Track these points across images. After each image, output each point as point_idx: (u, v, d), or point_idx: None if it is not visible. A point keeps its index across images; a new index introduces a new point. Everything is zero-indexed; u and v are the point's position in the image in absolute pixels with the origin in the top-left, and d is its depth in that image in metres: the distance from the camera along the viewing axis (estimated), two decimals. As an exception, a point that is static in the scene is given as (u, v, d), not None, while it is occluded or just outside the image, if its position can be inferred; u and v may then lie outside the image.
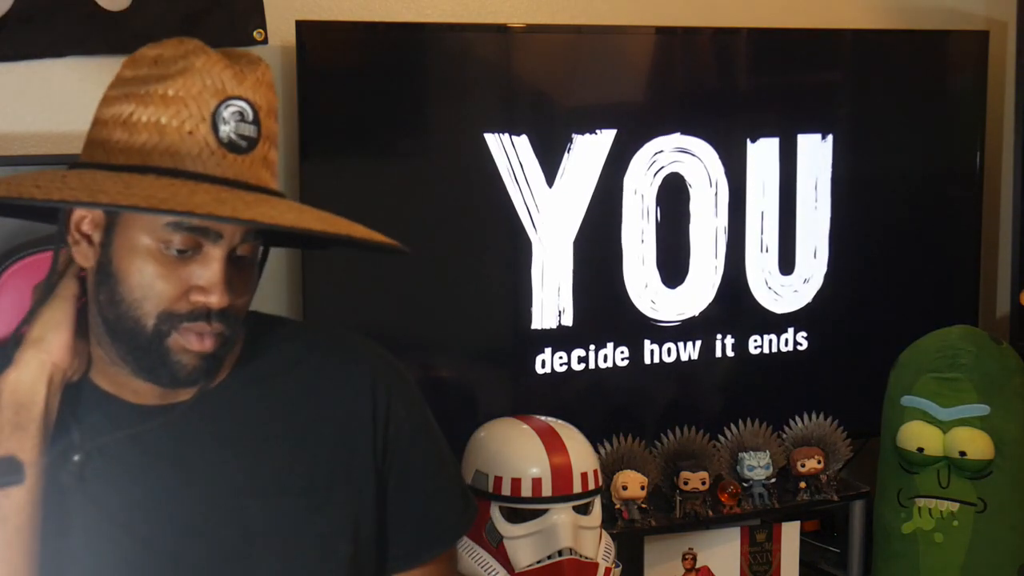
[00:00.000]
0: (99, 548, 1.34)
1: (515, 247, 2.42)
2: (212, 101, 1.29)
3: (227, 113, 1.29)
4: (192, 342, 1.31)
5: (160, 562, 1.36)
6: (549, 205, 2.42)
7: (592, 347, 2.50)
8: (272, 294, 2.28)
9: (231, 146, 1.29)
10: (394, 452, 1.49)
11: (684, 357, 2.59)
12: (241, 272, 1.33)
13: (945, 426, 2.43)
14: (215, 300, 1.29)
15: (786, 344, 2.69)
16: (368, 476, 1.46)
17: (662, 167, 2.52)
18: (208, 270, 1.29)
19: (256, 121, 1.31)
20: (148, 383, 1.35)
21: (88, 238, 1.34)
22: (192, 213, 1.23)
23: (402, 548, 1.51)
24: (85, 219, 1.34)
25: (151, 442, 1.36)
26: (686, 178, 2.55)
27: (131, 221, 1.30)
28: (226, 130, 1.29)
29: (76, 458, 1.34)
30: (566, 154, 2.43)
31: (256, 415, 1.42)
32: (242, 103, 1.30)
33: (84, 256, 1.35)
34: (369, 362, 1.50)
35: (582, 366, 2.49)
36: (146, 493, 1.36)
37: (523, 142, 2.38)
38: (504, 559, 1.98)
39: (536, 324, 2.45)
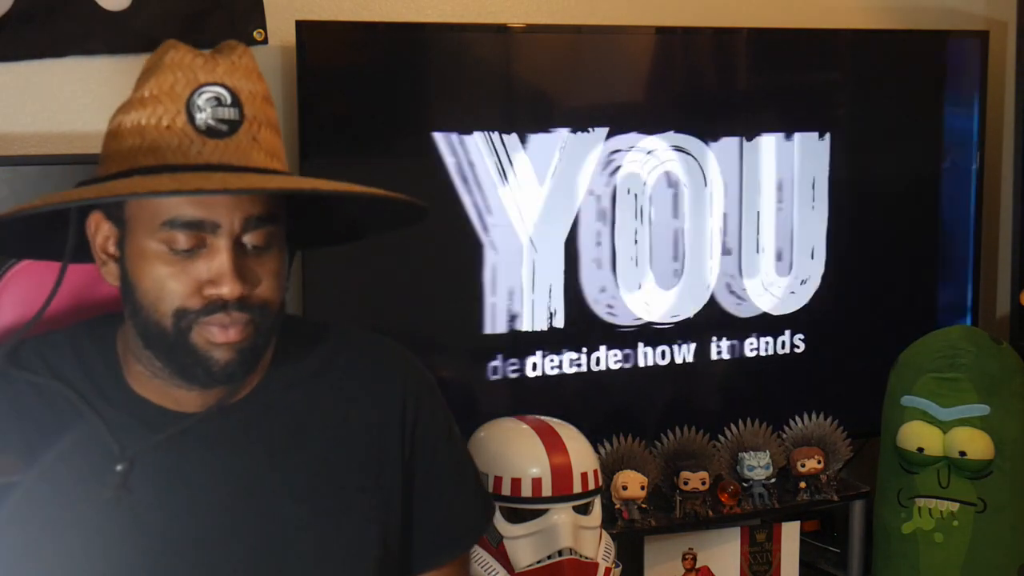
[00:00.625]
0: (130, 552, 1.34)
1: (511, 247, 2.42)
2: (185, 92, 1.29)
3: (201, 100, 1.29)
4: (215, 334, 1.30)
5: (190, 566, 1.36)
6: (540, 205, 2.42)
7: (584, 350, 2.50)
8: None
9: (211, 132, 1.29)
10: (420, 455, 1.50)
11: (679, 359, 2.58)
12: (258, 261, 1.32)
13: (945, 426, 2.43)
14: (226, 291, 1.29)
15: (783, 347, 2.68)
16: (396, 479, 1.47)
17: (656, 166, 2.52)
18: (214, 262, 1.29)
19: (236, 104, 1.30)
20: (188, 389, 1.36)
21: (114, 257, 1.36)
22: (136, 193, 1.23)
23: (424, 550, 1.52)
24: (109, 240, 1.36)
25: (186, 447, 1.37)
26: (681, 178, 2.55)
27: (137, 228, 1.31)
28: (203, 117, 1.29)
29: (119, 468, 1.34)
30: (559, 153, 2.43)
31: (289, 419, 1.42)
32: (216, 88, 1.30)
33: (112, 275, 1.36)
34: (398, 367, 1.51)
35: (574, 369, 2.49)
36: (178, 497, 1.36)
37: (513, 141, 2.38)
38: (504, 559, 1.98)
39: (527, 326, 2.44)
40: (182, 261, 1.29)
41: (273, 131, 1.35)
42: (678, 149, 2.54)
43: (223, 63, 1.31)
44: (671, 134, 2.52)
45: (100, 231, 1.36)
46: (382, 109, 2.30)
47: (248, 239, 1.31)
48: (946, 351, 2.46)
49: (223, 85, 1.30)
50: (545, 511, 1.98)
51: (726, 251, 2.61)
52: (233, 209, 1.29)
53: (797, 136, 2.65)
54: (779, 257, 2.68)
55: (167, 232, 1.28)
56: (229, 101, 1.30)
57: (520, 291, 2.43)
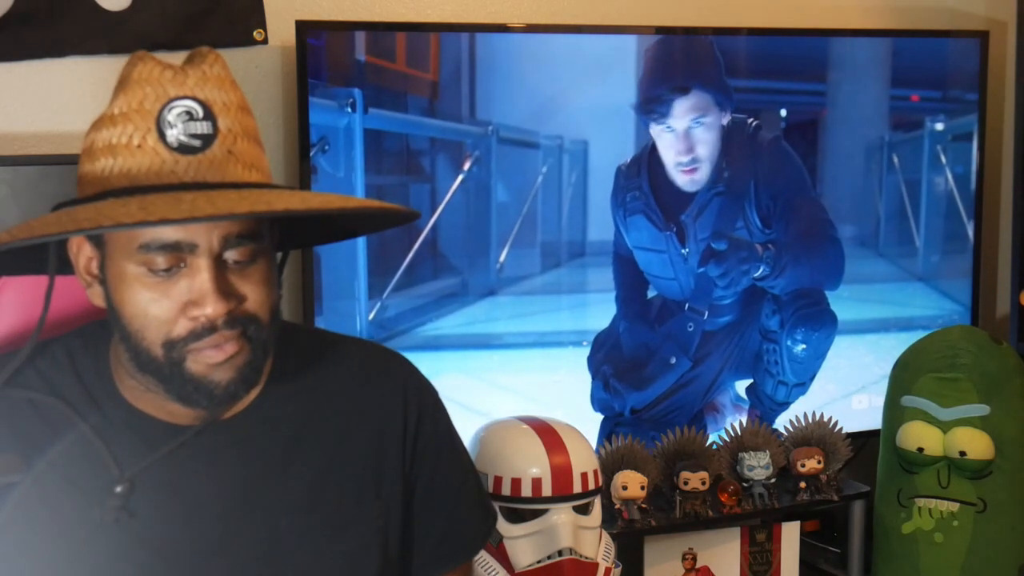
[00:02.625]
0: (126, 566, 1.33)
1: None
2: (154, 108, 1.25)
3: (172, 116, 1.25)
4: (212, 356, 1.28)
5: None
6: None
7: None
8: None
9: (183, 148, 1.25)
10: (421, 466, 1.49)
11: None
12: (241, 275, 1.29)
13: (945, 426, 2.43)
14: (210, 310, 1.26)
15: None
16: (396, 490, 1.47)
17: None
18: (195, 281, 1.26)
19: (209, 117, 1.26)
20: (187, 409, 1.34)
21: (97, 279, 1.32)
22: (101, 226, 1.18)
23: (425, 559, 1.52)
24: (92, 261, 1.32)
25: (183, 460, 1.36)
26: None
27: (115, 251, 1.28)
28: (174, 133, 1.25)
29: (118, 489, 1.32)
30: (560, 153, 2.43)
31: (288, 431, 1.41)
32: (187, 102, 1.25)
33: (98, 296, 1.33)
34: (400, 378, 1.50)
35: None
36: (175, 511, 1.35)
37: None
38: (504, 559, 1.97)
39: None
40: (162, 283, 1.26)
41: (251, 141, 1.30)
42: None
43: (193, 74, 1.27)
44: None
45: (82, 253, 1.33)
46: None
47: (229, 255, 1.28)
48: (946, 351, 2.46)
49: (194, 98, 1.25)
50: (545, 511, 1.98)
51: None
52: (211, 229, 1.25)
53: (796, 136, 2.66)
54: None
55: (144, 255, 1.25)
56: (201, 115, 1.25)
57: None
